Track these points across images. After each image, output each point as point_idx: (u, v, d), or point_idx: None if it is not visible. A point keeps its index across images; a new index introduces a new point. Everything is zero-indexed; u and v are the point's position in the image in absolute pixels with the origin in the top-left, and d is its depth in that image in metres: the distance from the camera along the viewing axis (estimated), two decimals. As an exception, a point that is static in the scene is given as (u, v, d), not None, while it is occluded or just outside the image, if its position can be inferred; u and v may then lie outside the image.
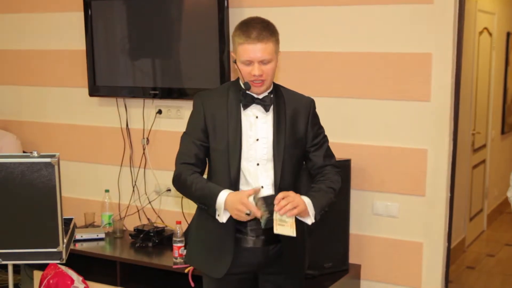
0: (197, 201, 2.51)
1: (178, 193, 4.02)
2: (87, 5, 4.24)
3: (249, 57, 2.41)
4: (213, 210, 2.41)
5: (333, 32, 3.62)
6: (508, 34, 6.38)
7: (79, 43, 4.39)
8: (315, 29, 3.68)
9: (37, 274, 4.13)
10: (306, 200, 2.41)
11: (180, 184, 2.52)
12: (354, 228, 3.64)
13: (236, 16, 3.79)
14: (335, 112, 3.65)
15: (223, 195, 2.38)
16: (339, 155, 3.36)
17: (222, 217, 2.41)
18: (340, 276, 3.51)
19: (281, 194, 2.37)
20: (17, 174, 2.71)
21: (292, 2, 3.71)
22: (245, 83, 2.44)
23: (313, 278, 3.41)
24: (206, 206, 2.46)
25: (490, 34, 5.82)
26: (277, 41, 2.46)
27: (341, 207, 3.52)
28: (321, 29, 3.66)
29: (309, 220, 2.46)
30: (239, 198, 2.33)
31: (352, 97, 3.62)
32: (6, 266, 3.02)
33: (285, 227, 2.41)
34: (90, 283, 3.92)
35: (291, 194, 2.38)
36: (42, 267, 3.99)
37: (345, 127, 3.66)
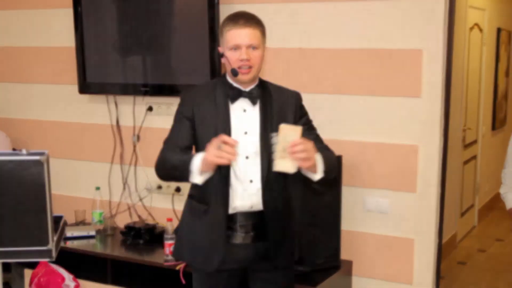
0: (175, 170, 2.49)
1: (169, 190, 4.08)
2: (76, 2, 4.24)
3: (236, 41, 2.44)
4: (189, 173, 2.39)
5: (323, 28, 3.64)
6: (498, 30, 6.43)
7: (69, 40, 4.38)
8: (306, 25, 3.69)
9: (28, 273, 4.15)
10: (317, 156, 2.41)
11: (161, 161, 2.53)
12: (346, 225, 3.65)
13: (226, 12, 3.71)
14: (325, 109, 3.66)
15: (200, 154, 2.38)
16: None
17: (196, 177, 2.38)
18: (332, 273, 3.52)
19: (300, 140, 2.34)
20: (6, 171, 2.66)
21: None
22: (233, 70, 2.45)
23: (305, 274, 3.42)
24: (183, 171, 2.42)
25: (481, 30, 5.86)
26: (263, 33, 2.50)
27: (332, 203, 3.55)
28: (311, 25, 3.68)
29: (317, 176, 2.45)
30: (213, 142, 2.34)
31: (342, 94, 3.63)
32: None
33: (285, 162, 2.39)
34: (81, 281, 3.99)
35: (310, 144, 2.36)
36: (32, 266, 4.04)
37: (335, 124, 3.67)
